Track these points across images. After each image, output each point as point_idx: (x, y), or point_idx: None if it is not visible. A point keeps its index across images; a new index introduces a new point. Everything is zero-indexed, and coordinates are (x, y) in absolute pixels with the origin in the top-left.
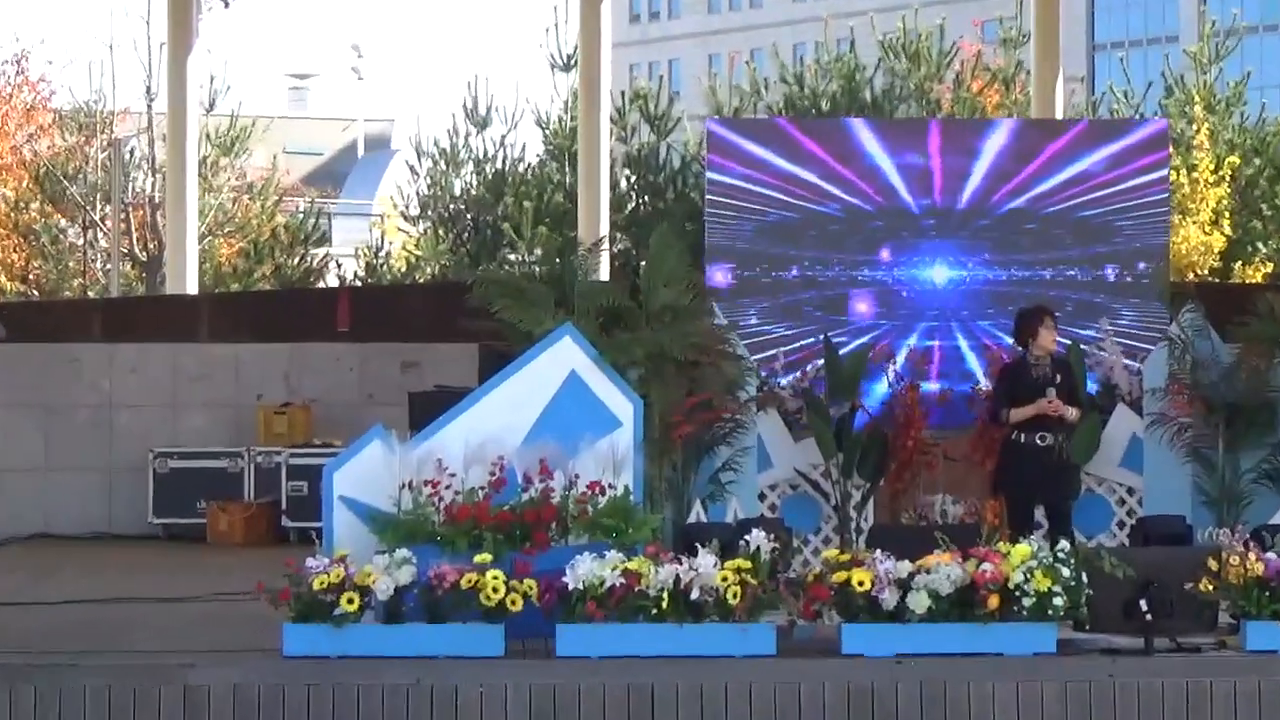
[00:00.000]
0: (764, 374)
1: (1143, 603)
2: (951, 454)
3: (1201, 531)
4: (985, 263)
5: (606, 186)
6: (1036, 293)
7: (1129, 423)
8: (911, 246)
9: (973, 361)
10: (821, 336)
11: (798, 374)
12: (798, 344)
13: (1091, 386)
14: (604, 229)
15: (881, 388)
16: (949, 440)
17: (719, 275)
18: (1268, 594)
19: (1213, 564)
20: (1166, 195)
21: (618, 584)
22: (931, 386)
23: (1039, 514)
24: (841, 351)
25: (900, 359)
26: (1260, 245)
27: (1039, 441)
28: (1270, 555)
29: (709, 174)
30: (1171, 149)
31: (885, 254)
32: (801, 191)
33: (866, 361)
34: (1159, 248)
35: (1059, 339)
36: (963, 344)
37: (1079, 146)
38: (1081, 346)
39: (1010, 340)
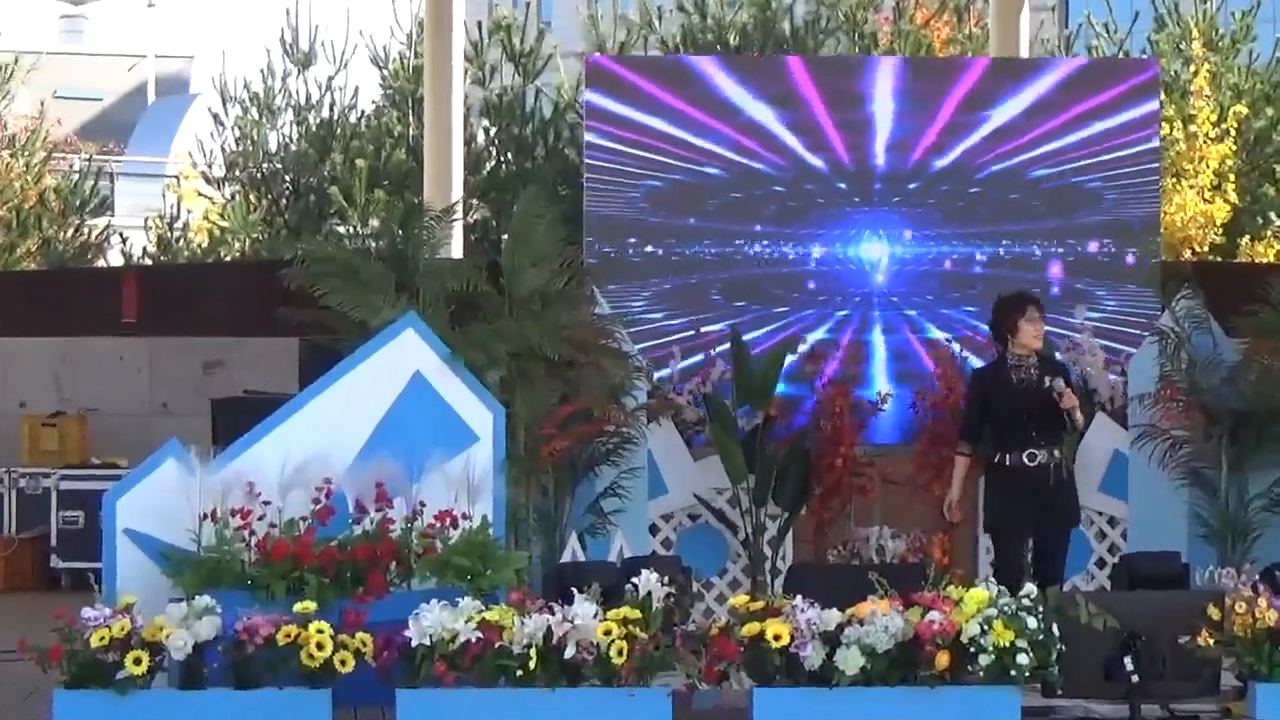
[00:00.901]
0: (657, 376)
1: (1128, 661)
2: (891, 476)
3: (1200, 572)
4: (937, 237)
5: (460, 141)
6: (999, 274)
7: (1111, 437)
8: (845, 217)
9: (920, 359)
10: (729, 328)
11: (699, 376)
12: (700, 338)
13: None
14: (457, 194)
15: (805, 392)
16: (888, 458)
17: (601, 252)
18: None
19: (1214, 612)
20: (1157, 154)
21: (473, 639)
22: (867, 391)
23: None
24: (755, 349)
25: (828, 357)
26: (1273, 216)
27: (1027, 462)
28: None
29: (588, 126)
30: (1164, 96)
31: (813, 226)
32: (707, 147)
33: (783, 359)
34: (1148, 219)
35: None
36: (908, 338)
37: (1052, 93)
38: (1051, 342)
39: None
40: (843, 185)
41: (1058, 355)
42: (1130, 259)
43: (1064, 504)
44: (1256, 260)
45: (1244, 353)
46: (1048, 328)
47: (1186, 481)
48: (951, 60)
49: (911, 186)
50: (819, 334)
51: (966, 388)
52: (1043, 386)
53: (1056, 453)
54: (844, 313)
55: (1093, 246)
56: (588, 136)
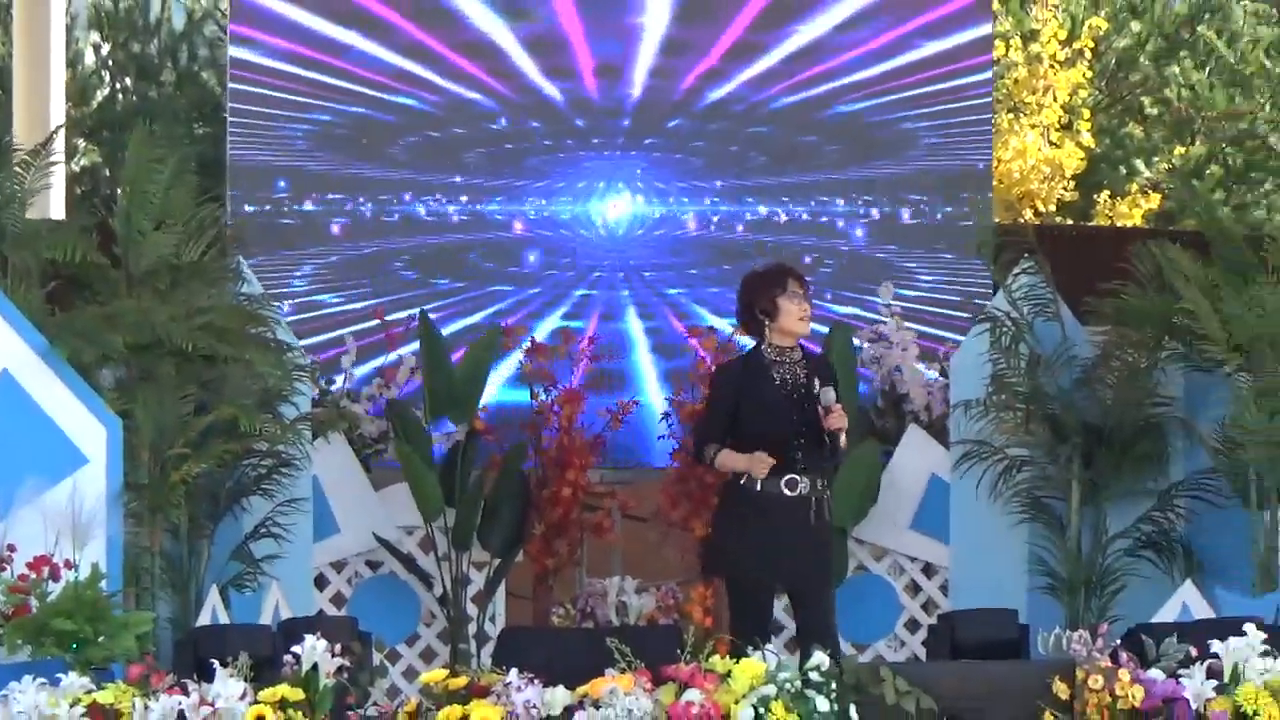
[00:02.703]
0: (324, 377)
1: None
2: (635, 510)
3: (1044, 635)
4: (696, 192)
5: (60, 61)
6: (779, 241)
7: (927, 457)
8: (575, 165)
9: (686, 354)
10: (417, 315)
11: (378, 376)
12: (383, 327)
13: (865, 396)
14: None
15: (523, 400)
16: (631, 488)
17: (250, 212)
18: None
19: (1061, 689)
20: (988, 85)
21: None
22: (604, 398)
23: (779, 608)
24: (456, 344)
25: (553, 350)
26: (1139, 164)
27: (786, 491)
28: (1154, 673)
29: (232, 47)
30: (998, 5)
31: (533, 177)
32: (387, 77)
33: (494, 356)
34: (977, 171)
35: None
36: (672, 325)
37: (869, 7)
38: (849, 332)
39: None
40: (581, 123)
41: (856, 354)
42: (954, 223)
43: (825, 549)
44: (1118, 223)
45: (1102, 346)
46: (843, 312)
47: (1026, 516)
48: None
49: (673, 124)
50: (548, 321)
51: (709, 387)
52: (812, 392)
53: (821, 484)
54: (584, 292)
55: (905, 204)
56: (233, 53)
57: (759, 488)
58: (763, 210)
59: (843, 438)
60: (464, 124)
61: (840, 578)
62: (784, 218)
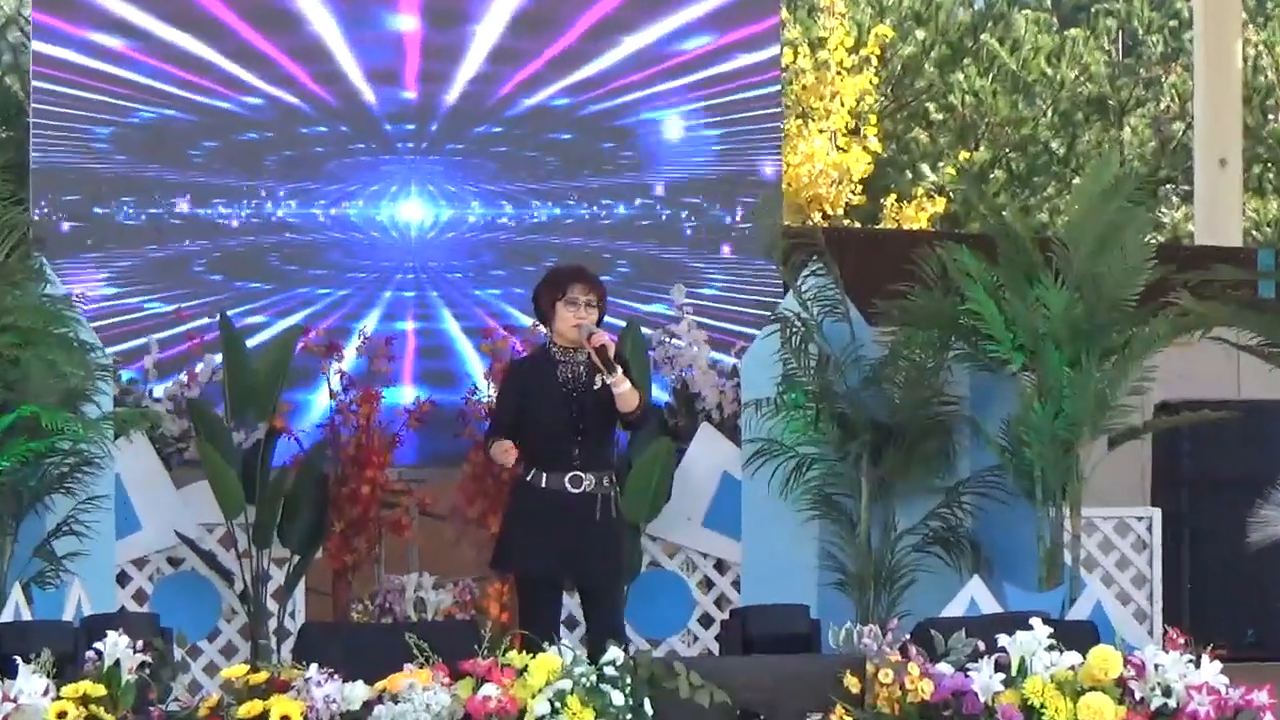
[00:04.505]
0: (127, 376)
1: None
2: (433, 508)
3: (835, 630)
4: (490, 195)
5: None
6: (568, 244)
7: (719, 454)
8: (373, 169)
9: (468, 355)
10: (219, 316)
11: (181, 374)
12: (182, 326)
13: (659, 395)
14: None
15: (321, 399)
16: (429, 485)
17: (53, 215)
18: None
19: (852, 682)
20: (777, 88)
21: None
22: (402, 396)
23: (570, 604)
24: (252, 340)
25: (350, 350)
26: (925, 168)
27: (570, 488)
28: (943, 667)
29: (35, 42)
30: (786, 14)
31: (330, 180)
32: (192, 74)
33: (293, 354)
34: (766, 176)
35: (595, 320)
36: (452, 326)
37: (636, 8)
38: (644, 330)
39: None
40: (389, 128)
41: (649, 353)
42: (743, 225)
43: (613, 545)
44: (905, 226)
45: (890, 346)
46: (641, 310)
47: (817, 513)
48: None
49: (479, 130)
50: (367, 322)
51: (499, 382)
52: (593, 389)
53: (607, 481)
54: (392, 294)
55: (694, 208)
56: (36, 47)
57: (543, 484)
58: (557, 212)
59: (625, 389)
60: (280, 125)
61: (634, 574)
62: (571, 220)
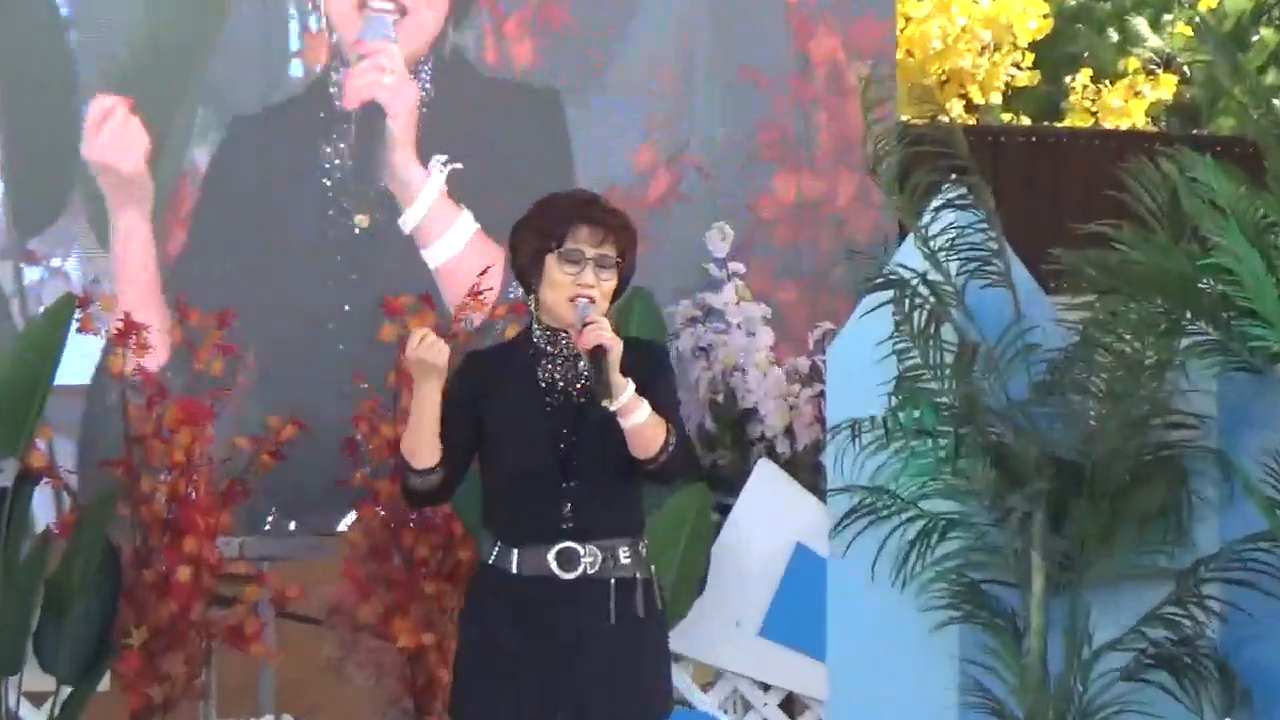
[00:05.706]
0: None
1: None
2: (300, 604)
3: None
4: None
5: None
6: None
7: (786, 513)
8: None
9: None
10: None
11: None
12: None
13: (694, 412)
14: None
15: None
16: (293, 566)
17: None
18: None
19: None
20: None
21: None
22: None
23: None
24: None
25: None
26: (1141, 25)
27: (557, 568)
28: None
29: None
30: None
31: None
32: None
33: (64, 341)
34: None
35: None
36: None
37: None
38: (651, 297)
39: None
40: None
41: (680, 325)
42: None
43: (648, 674)
44: (1107, 124)
45: (1082, 329)
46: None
47: (956, 614)
48: None
49: None
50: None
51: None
52: (595, 403)
53: (627, 555)
54: None
55: None
56: None
57: (514, 568)
58: None
59: (634, 413)
60: None
61: (668, 715)
62: None
